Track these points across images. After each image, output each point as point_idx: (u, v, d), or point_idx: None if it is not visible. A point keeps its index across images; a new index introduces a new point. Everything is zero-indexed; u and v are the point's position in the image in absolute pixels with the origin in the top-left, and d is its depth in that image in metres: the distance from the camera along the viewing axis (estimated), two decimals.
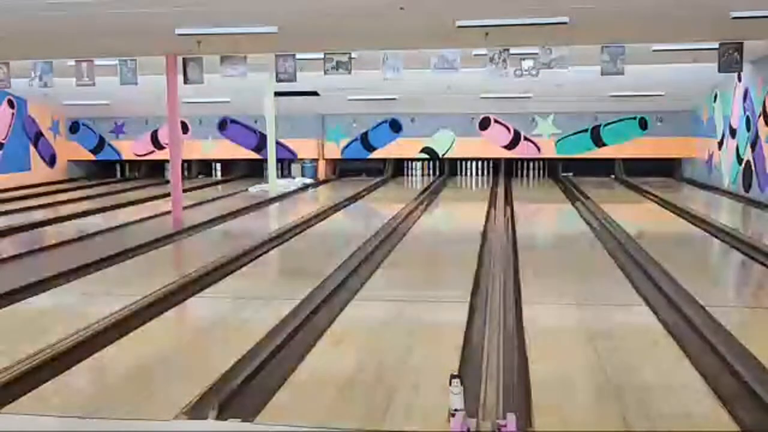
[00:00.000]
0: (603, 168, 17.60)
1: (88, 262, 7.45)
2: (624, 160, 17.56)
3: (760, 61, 12.13)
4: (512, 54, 9.28)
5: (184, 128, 17.51)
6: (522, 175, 18.43)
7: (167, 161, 13.13)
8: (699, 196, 13.99)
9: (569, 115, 16.95)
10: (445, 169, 18.46)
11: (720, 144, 14.62)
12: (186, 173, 18.33)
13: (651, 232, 10.02)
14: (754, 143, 12.50)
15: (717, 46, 8.97)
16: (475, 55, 9.73)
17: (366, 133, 17.82)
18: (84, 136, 18.63)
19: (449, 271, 7.20)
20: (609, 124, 16.95)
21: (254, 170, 18.76)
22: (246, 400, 3.86)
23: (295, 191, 15.50)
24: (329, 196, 14.83)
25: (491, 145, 17.36)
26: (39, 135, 17.60)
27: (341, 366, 4.35)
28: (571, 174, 17.80)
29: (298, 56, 9.73)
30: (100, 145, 18.64)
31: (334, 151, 18.03)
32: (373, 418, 3.59)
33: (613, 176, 17.58)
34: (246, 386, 4.01)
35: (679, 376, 4.12)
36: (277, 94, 14.71)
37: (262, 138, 17.20)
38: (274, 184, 14.69)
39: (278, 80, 9.94)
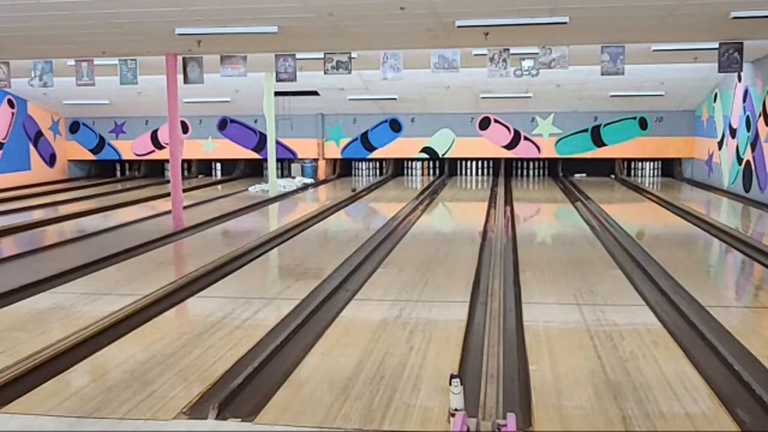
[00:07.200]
0: (603, 168, 17.61)
1: (88, 262, 7.47)
2: (624, 160, 17.57)
3: (760, 61, 12.13)
4: (512, 54, 9.28)
5: (184, 128, 17.51)
6: (522, 175, 18.43)
7: (167, 161, 13.13)
8: (699, 196, 13.99)
9: (569, 115, 16.95)
10: (445, 169, 18.45)
11: (720, 144, 14.62)
12: (186, 173, 18.36)
13: (651, 232, 10.04)
14: (754, 143, 12.49)
15: (717, 46, 8.97)
16: (475, 55, 9.73)
17: (366, 133, 17.81)
18: (84, 136, 18.61)
19: (449, 270, 7.19)
20: (609, 124, 16.94)
21: (254, 170, 18.78)
22: (246, 400, 3.86)
23: (295, 191, 15.51)
24: (329, 196, 14.83)
25: (491, 145, 17.35)
26: (39, 135, 17.58)
27: (341, 366, 4.35)
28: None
29: (297, 56, 9.74)
30: (100, 144, 18.63)
31: (334, 150, 18.03)
32: (373, 418, 3.59)
33: (613, 176, 17.59)
34: (246, 386, 4.01)
35: (679, 376, 4.12)
36: (277, 93, 14.70)
37: (262, 138, 17.21)
38: (274, 184, 14.69)
39: (278, 80, 9.94)
